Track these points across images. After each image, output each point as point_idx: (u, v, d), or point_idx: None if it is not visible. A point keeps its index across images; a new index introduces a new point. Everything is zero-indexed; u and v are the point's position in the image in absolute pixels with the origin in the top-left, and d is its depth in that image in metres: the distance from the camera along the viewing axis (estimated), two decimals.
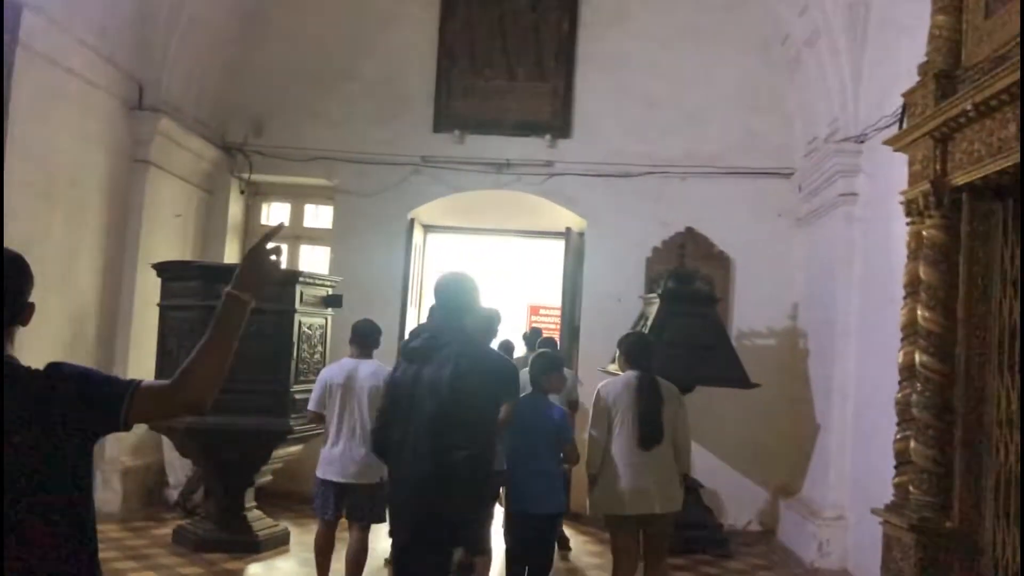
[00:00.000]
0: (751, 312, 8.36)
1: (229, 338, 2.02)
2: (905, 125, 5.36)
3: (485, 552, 3.13)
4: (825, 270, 7.48)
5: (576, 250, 8.72)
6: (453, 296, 3.23)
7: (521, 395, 4.90)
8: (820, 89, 7.58)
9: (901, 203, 5.31)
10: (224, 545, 6.31)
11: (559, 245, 9.08)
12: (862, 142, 6.93)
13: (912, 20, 6.04)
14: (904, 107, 5.42)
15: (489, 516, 3.19)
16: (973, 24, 4.81)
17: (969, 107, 4.24)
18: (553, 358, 5.31)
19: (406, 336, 3.47)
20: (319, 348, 6.80)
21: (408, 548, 3.06)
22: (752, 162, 8.51)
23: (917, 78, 5.70)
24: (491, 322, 5.58)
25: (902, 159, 5.85)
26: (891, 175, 6.24)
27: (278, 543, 6.58)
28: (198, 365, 1.96)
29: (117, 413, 1.90)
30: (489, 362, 3.14)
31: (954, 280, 4.88)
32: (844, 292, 7.05)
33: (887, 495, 5.83)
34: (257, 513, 6.67)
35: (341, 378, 5.36)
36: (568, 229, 8.82)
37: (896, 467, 5.18)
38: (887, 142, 5.45)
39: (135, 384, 1.94)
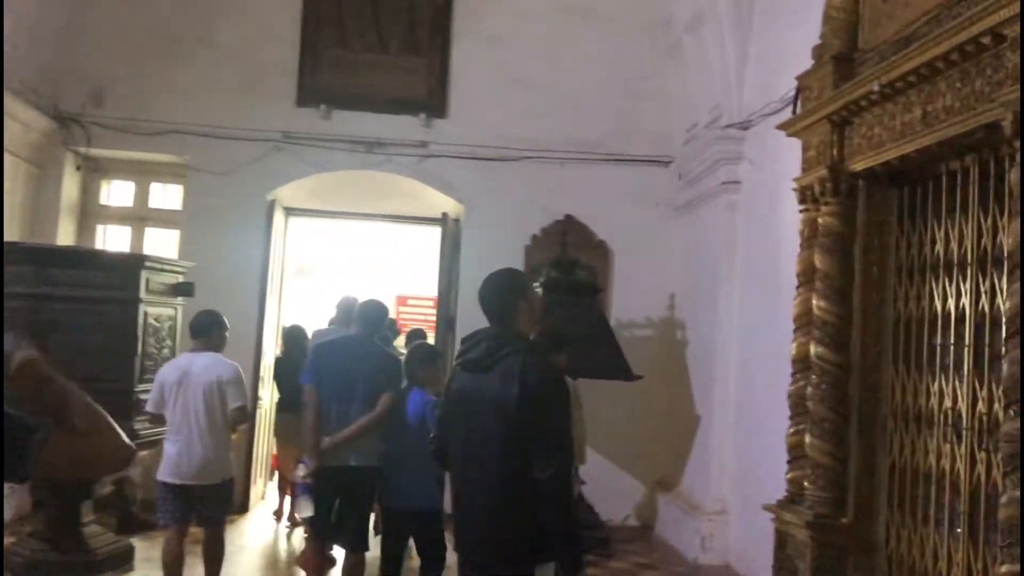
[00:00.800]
0: (630, 302, 8.17)
1: None
2: (799, 109, 5.20)
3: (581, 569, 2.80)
4: (706, 260, 7.35)
5: (453, 237, 8.29)
6: (498, 298, 2.98)
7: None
8: (702, 74, 7.43)
9: (794, 190, 5.16)
10: (56, 567, 5.52)
11: (435, 232, 8.61)
12: (746, 128, 6.81)
13: (799, 3, 5.93)
14: (798, 91, 5.27)
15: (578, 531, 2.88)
16: (871, 5, 4.68)
17: (876, 88, 4.08)
18: (430, 350, 5.20)
19: (458, 342, 3.34)
20: (168, 342, 6.09)
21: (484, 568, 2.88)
22: (632, 149, 8.31)
23: (806, 63, 5.58)
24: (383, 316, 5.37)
25: (789, 146, 5.73)
26: (777, 162, 6.13)
27: (120, 561, 5.83)
28: None
29: None
30: (552, 374, 2.91)
31: (850, 269, 4.76)
32: (726, 282, 6.92)
33: (772, 489, 5.71)
34: (96, 528, 5.89)
35: (176, 375, 5.01)
36: (444, 215, 8.37)
37: (789, 462, 5.04)
38: (781, 127, 5.29)
39: None
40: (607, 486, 7.69)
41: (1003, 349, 3.57)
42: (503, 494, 2.79)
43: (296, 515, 6.55)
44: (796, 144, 5.54)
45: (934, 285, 4.36)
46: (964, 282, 4.10)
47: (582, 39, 8.24)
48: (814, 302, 4.82)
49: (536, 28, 8.26)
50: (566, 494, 2.80)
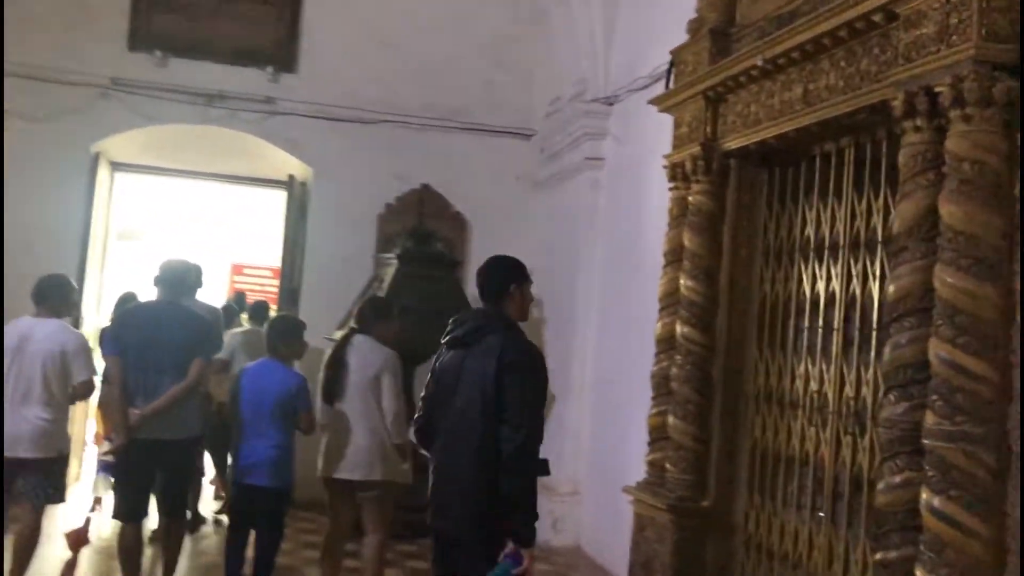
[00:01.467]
0: None
1: None
2: (672, 85, 5.08)
3: (533, 544, 2.93)
4: (567, 237, 7.20)
5: (299, 202, 7.76)
6: (496, 277, 3.19)
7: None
8: (568, 47, 7.24)
9: (664, 167, 5.04)
10: None
11: (279, 196, 8.04)
12: (612, 104, 6.67)
13: None
14: (671, 65, 5.14)
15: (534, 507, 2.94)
16: None
17: (759, 63, 3.97)
18: (294, 322, 4.98)
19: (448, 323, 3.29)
20: None
21: (459, 542, 3.01)
22: (493, 119, 8.04)
23: (676, 38, 5.46)
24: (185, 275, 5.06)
25: (658, 122, 5.62)
26: (644, 139, 6.02)
27: None
28: None
29: None
30: (529, 352, 3.08)
31: (718, 249, 4.68)
32: (587, 260, 6.80)
33: (630, 471, 5.64)
34: None
35: (13, 339, 4.51)
36: (291, 177, 7.82)
37: (650, 443, 4.94)
38: (653, 101, 5.15)
39: None
40: None
41: (878, 333, 3.58)
42: (482, 466, 2.88)
43: (93, 492, 6.08)
44: (664, 121, 5.44)
45: (803, 268, 4.34)
46: (835, 265, 4.09)
47: (447, 2, 7.86)
48: (681, 282, 4.72)
49: None
50: (529, 467, 2.89)
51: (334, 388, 4.60)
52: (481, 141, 8.01)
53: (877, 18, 3.31)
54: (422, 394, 3.31)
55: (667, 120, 5.29)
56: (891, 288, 3.13)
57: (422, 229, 6.71)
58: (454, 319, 3.25)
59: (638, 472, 5.19)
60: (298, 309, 7.53)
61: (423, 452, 3.31)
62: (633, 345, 5.92)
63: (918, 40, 3.08)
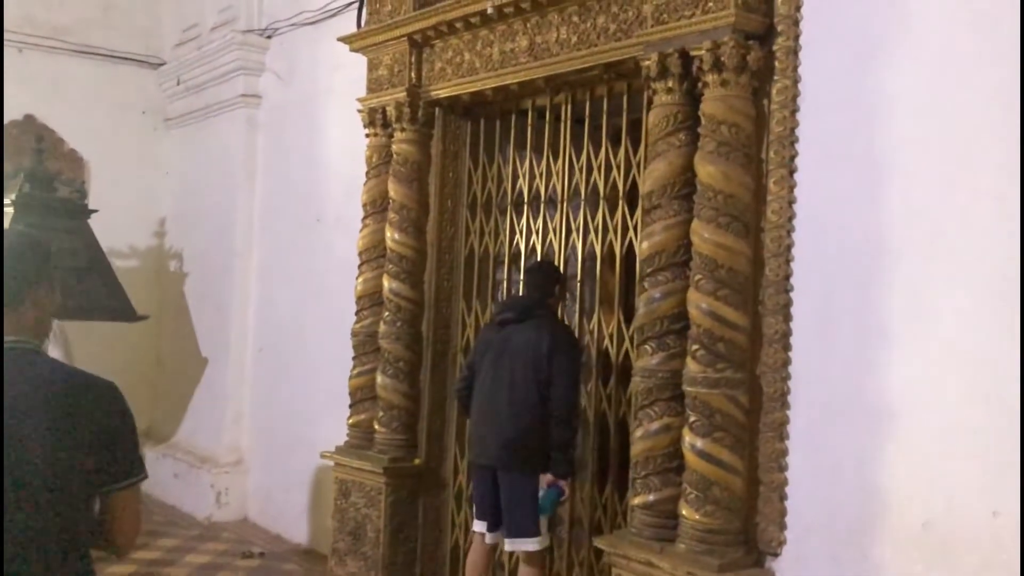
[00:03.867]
0: (110, 227, 6.77)
1: None
2: (364, 24, 4.74)
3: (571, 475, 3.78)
4: (214, 181, 6.48)
5: None
6: (544, 279, 3.87)
7: None
8: None
9: (360, 111, 4.73)
10: None
11: None
12: (270, 37, 6.09)
13: None
14: (362, 2, 4.79)
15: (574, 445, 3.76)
16: None
17: (490, 11, 3.84)
18: None
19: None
20: None
21: (496, 471, 3.76)
22: (111, 43, 6.92)
23: None
24: None
25: (332, 61, 5.31)
26: (316, 78, 5.62)
27: None
28: None
29: None
30: (574, 338, 3.90)
31: (425, 201, 4.53)
32: (244, 209, 6.19)
33: (306, 435, 5.36)
34: None
35: None
36: None
37: (352, 405, 4.68)
38: (344, 39, 4.77)
39: None
40: None
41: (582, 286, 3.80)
42: (529, 414, 3.66)
43: None
44: (339, 60, 5.13)
45: (515, 221, 4.36)
46: (551, 220, 4.17)
47: None
48: (388, 234, 4.49)
49: None
50: (572, 419, 3.66)
51: None
52: (96, 67, 6.87)
53: None
54: (467, 361, 4.11)
55: (345, 59, 4.97)
56: (644, 244, 3.24)
57: (42, 171, 5.55)
58: (503, 302, 4.11)
59: (324, 436, 4.92)
60: None
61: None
62: (310, 302, 5.55)
63: (670, 4, 3.18)
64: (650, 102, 3.34)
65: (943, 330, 2.69)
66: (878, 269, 2.84)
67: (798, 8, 3.04)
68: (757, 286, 3.08)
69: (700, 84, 3.12)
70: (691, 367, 3.04)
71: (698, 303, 3.03)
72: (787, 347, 3.04)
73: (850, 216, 2.93)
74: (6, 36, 6.33)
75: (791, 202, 3.05)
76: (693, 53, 3.10)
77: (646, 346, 3.21)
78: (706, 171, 3.04)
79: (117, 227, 6.86)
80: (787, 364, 3.03)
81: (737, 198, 3.02)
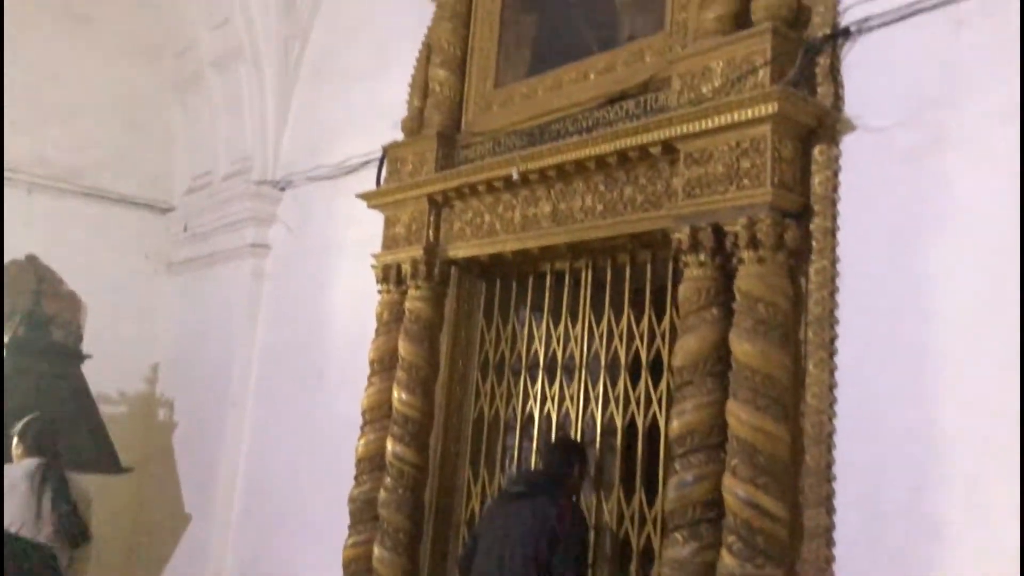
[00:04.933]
0: (102, 371, 6.58)
1: None
2: (384, 181, 4.73)
3: None
4: (214, 330, 6.33)
5: None
6: (563, 456, 3.63)
7: None
8: (229, 120, 6.53)
9: (374, 267, 4.65)
10: None
11: None
12: (283, 189, 6.10)
13: (359, 64, 5.56)
14: (382, 160, 4.80)
15: None
16: (478, 89, 4.49)
17: (515, 176, 3.81)
18: None
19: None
20: None
21: None
22: (121, 187, 6.93)
23: (365, 131, 5.28)
24: None
25: (346, 215, 5.30)
26: (330, 231, 5.58)
27: None
28: None
29: None
30: (583, 517, 3.62)
31: (436, 361, 4.37)
32: (243, 360, 6.00)
33: None
34: None
35: None
36: None
37: None
38: (363, 196, 4.75)
39: None
40: None
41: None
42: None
43: None
44: (353, 214, 5.12)
45: (529, 386, 4.19)
46: (568, 387, 4.00)
47: (78, 48, 6.67)
48: (395, 394, 4.31)
49: (22, 19, 6.42)
50: None
51: None
52: (104, 209, 6.85)
53: (655, 151, 3.34)
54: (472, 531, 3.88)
55: (360, 214, 4.95)
56: (675, 423, 3.08)
57: (40, 313, 5.41)
58: (516, 474, 4.02)
59: None
60: None
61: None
62: (306, 462, 5.29)
63: (704, 178, 3.15)
64: (675, 272, 3.27)
65: (1001, 528, 2.49)
66: (929, 461, 2.67)
67: (835, 189, 3.00)
68: (797, 475, 2.89)
69: (735, 259, 3.04)
70: (727, 561, 2.81)
71: (735, 490, 2.83)
72: (830, 542, 2.82)
73: (896, 403, 2.78)
74: (16, 175, 6.35)
75: (831, 387, 2.91)
76: (727, 228, 3.04)
77: (676, 534, 2.99)
78: (742, 349, 2.92)
79: (109, 371, 6.63)
80: (830, 561, 2.81)
81: (776, 379, 2.88)
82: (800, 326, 2.98)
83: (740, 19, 3.24)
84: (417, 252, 4.37)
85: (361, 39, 5.67)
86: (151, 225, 7.07)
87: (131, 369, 6.82)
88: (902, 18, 2.90)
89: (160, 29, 6.97)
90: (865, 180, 2.94)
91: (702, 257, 3.10)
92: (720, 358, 3.03)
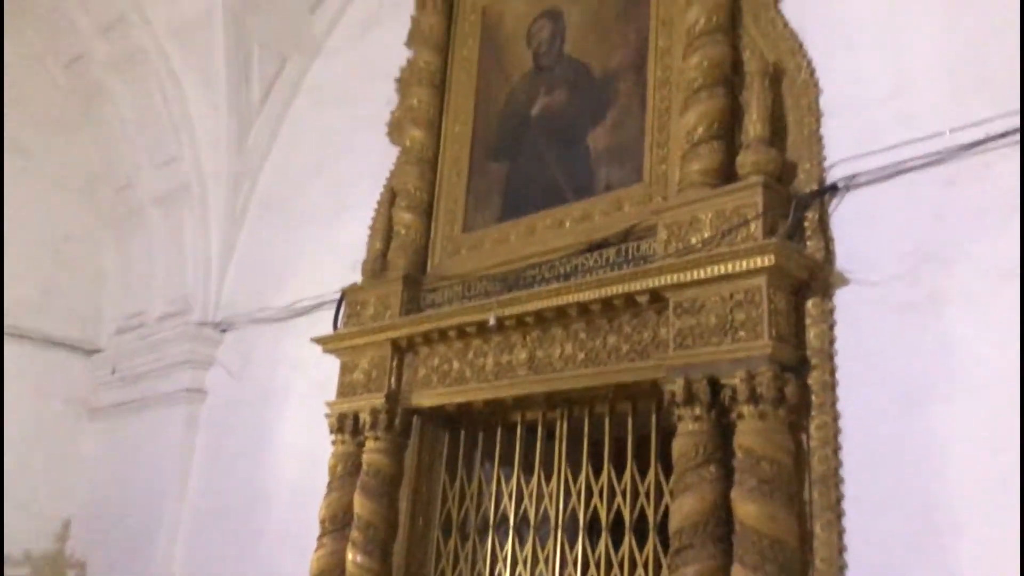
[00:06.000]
0: (7, 527, 6.00)
1: None
2: (343, 324, 4.54)
3: None
4: (138, 483, 5.82)
5: None
6: None
7: None
8: (168, 258, 6.26)
9: (327, 415, 4.38)
10: None
11: None
12: (224, 331, 5.81)
13: (321, 210, 5.45)
14: (340, 303, 4.61)
15: None
16: (445, 233, 4.41)
17: (492, 321, 3.67)
18: None
19: None
20: None
21: None
22: (45, 327, 6.51)
23: (318, 272, 5.15)
24: None
25: (293, 359, 5.07)
26: (274, 377, 5.28)
27: None
28: None
29: None
30: None
31: (395, 519, 4.06)
32: (170, 518, 5.49)
33: None
34: None
35: None
36: None
37: None
38: (318, 340, 4.52)
39: None
40: None
41: None
42: None
43: None
44: (302, 359, 4.90)
45: (498, 547, 3.91)
46: (542, 549, 3.74)
47: (12, 179, 6.38)
48: (349, 556, 3.96)
49: None
50: None
51: None
52: (24, 350, 6.39)
53: (642, 299, 3.26)
54: None
55: (309, 358, 4.74)
56: None
57: None
58: None
59: None
60: None
61: None
62: None
63: (696, 328, 3.07)
64: (659, 424, 3.15)
65: None
66: None
67: (832, 343, 2.95)
68: None
69: (733, 414, 2.92)
70: None
71: None
72: None
73: (908, 567, 2.64)
74: None
75: (841, 550, 2.76)
76: (724, 381, 2.94)
77: None
78: (747, 511, 2.75)
79: (15, 528, 6.05)
80: None
81: (784, 543, 2.71)
82: (804, 486, 2.85)
83: (724, 172, 3.27)
84: (377, 400, 4.14)
85: (315, 179, 5.59)
86: (74, 367, 6.62)
87: (41, 526, 6.21)
88: (891, 176, 2.94)
89: (101, 164, 6.76)
90: (862, 335, 2.90)
91: (698, 411, 2.98)
92: (720, 520, 2.86)
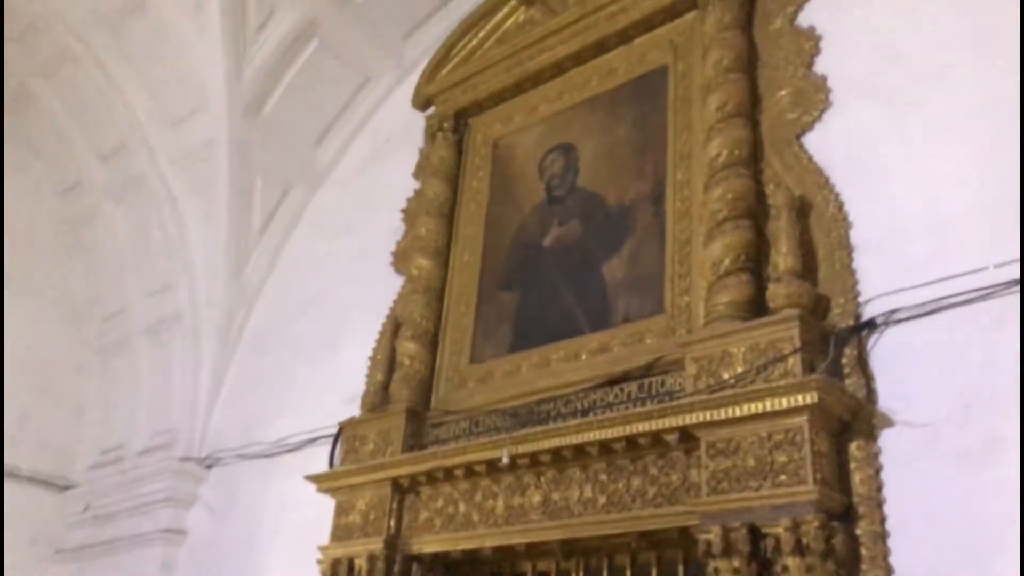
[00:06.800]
0: None
1: None
2: (340, 461, 4.27)
3: None
4: None
5: None
6: None
7: None
8: (153, 390, 5.99)
9: (319, 561, 4.05)
10: None
11: None
12: (209, 467, 5.50)
13: (317, 342, 5.26)
14: (337, 438, 4.37)
15: None
16: (453, 366, 4.23)
17: (505, 460, 3.43)
18: None
19: None
20: None
21: None
22: (16, 458, 6.15)
23: (311, 406, 4.93)
24: None
25: (281, 500, 4.77)
26: (262, 517, 4.95)
27: None
28: None
29: None
30: None
31: None
32: None
33: None
34: None
35: None
36: None
37: None
38: (313, 478, 4.25)
39: None
40: None
41: None
42: None
43: None
44: (292, 498, 4.60)
45: None
46: None
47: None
48: None
49: None
50: None
51: None
52: None
53: (670, 438, 3.05)
54: None
55: (300, 497, 4.44)
56: None
57: None
58: None
59: None
60: None
61: None
62: None
63: (732, 471, 2.86)
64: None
65: None
66: None
67: (879, 488, 2.74)
68: None
69: (777, 566, 2.67)
70: None
71: None
72: None
73: None
74: None
75: None
76: (766, 531, 2.70)
77: None
78: None
79: None
80: None
81: None
82: None
83: (754, 305, 3.14)
84: (375, 545, 3.84)
85: (313, 310, 5.43)
86: (44, 504, 6.21)
87: None
88: (932, 312, 2.82)
89: (91, 291, 6.59)
90: (913, 481, 2.71)
91: (736, 563, 2.73)
92: None
